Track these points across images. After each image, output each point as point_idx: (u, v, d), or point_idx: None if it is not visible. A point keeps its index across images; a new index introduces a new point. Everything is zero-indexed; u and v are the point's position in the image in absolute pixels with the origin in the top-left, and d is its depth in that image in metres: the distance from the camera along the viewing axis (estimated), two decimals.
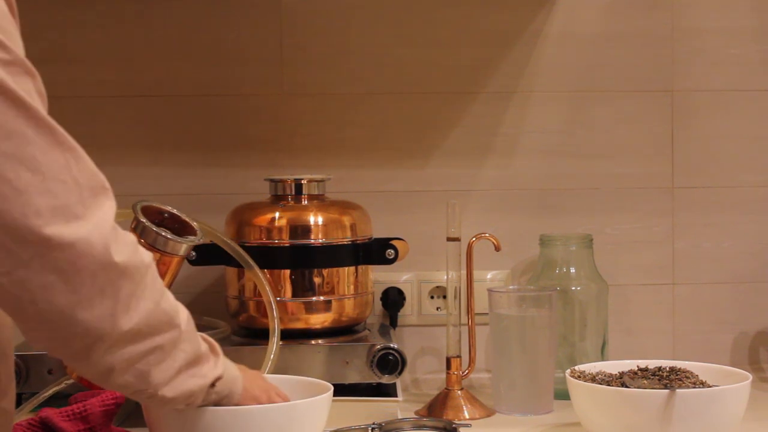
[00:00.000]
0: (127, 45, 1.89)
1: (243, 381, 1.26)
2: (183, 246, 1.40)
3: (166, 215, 1.44)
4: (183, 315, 1.12)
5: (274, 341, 1.61)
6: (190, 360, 1.13)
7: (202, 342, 1.17)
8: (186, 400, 1.16)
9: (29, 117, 0.95)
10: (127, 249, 1.01)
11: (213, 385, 1.19)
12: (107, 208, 1.01)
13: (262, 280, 1.65)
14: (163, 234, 1.38)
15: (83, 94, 1.89)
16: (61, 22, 1.87)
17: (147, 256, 1.05)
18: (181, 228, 1.44)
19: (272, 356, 1.60)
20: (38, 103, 0.97)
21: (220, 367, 1.20)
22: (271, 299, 1.64)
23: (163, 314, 1.07)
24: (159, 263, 1.38)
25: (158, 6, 1.88)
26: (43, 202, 0.95)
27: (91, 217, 0.98)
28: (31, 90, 0.97)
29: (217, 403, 1.24)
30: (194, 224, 1.45)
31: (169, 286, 1.42)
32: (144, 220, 1.37)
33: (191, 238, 1.41)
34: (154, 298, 1.05)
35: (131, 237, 1.04)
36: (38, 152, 0.95)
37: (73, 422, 1.33)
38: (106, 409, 1.35)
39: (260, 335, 1.70)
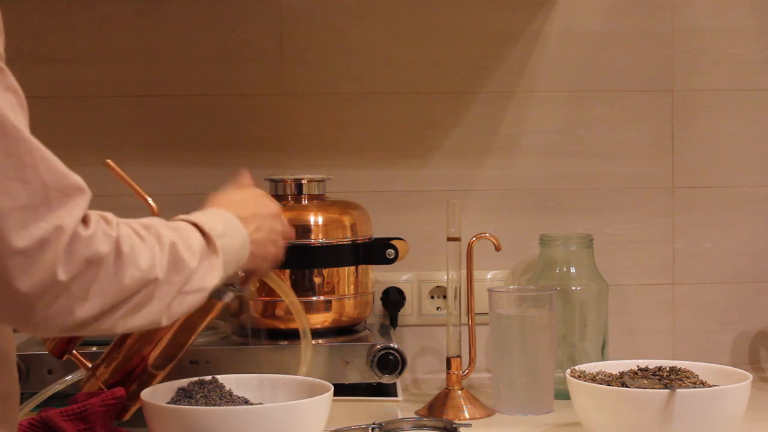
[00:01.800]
0: (127, 45, 1.89)
1: (251, 245, 1.25)
2: (230, 294, 1.40)
3: None
4: (160, 260, 1.07)
5: (307, 342, 1.57)
6: (182, 285, 1.10)
7: (193, 256, 1.12)
8: (188, 312, 1.14)
9: None
10: (78, 255, 0.98)
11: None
12: (76, 210, 0.98)
13: (279, 283, 1.60)
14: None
15: (83, 94, 1.89)
16: (61, 23, 1.87)
17: (105, 243, 1.00)
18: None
19: (307, 357, 1.56)
20: (4, 100, 0.95)
21: (217, 268, 1.16)
22: (294, 299, 1.59)
23: (131, 282, 1.03)
24: (202, 308, 1.38)
25: (158, 6, 1.88)
26: (1, 202, 0.93)
27: (53, 218, 0.95)
28: None
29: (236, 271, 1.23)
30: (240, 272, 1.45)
31: (205, 326, 1.43)
32: None
33: (238, 289, 1.41)
34: (117, 276, 1.01)
35: (90, 229, 0.99)
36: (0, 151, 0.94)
37: (74, 422, 1.34)
38: (106, 409, 1.35)
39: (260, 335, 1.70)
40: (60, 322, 0.99)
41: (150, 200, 1.42)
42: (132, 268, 1.03)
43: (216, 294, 1.38)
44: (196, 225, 1.17)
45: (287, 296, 1.54)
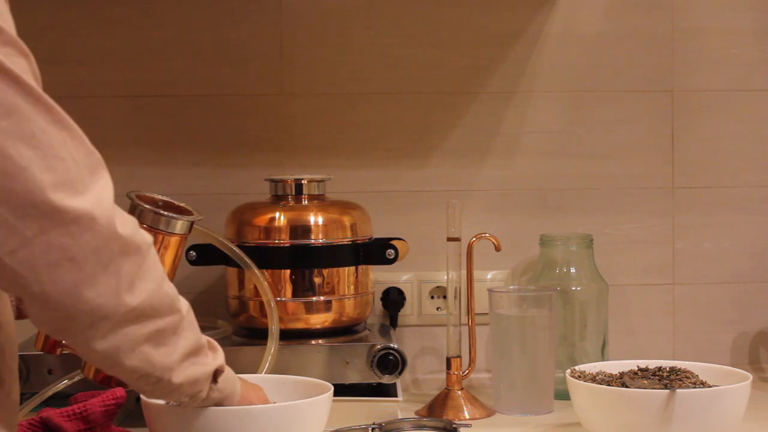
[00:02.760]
0: (127, 45, 1.89)
1: (241, 386, 1.28)
2: (180, 223, 1.40)
3: (160, 203, 1.45)
4: (183, 302, 1.13)
5: (273, 343, 1.61)
6: (193, 348, 1.14)
7: (201, 334, 1.17)
8: (191, 389, 1.17)
9: (27, 95, 0.96)
10: (130, 224, 1.02)
11: (215, 380, 1.20)
12: (105, 184, 1.01)
13: (261, 280, 1.65)
14: (162, 213, 1.38)
15: (83, 94, 1.89)
16: (61, 23, 1.87)
17: (148, 236, 1.06)
18: (177, 213, 1.44)
19: (270, 356, 1.60)
20: (34, 82, 0.98)
21: (219, 358, 1.21)
22: (270, 299, 1.64)
23: (165, 296, 1.08)
24: (160, 245, 1.39)
25: (158, 6, 1.88)
26: (45, 178, 0.95)
27: (91, 193, 0.98)
28: (26, 70, 0.98)
29: (219, 403, 1.24)
30: (190, 208, 1.45)
31: (174, 268, 1.42)
32: (140, 203, 1.38)
33: (188, 216, 1.41)
34: (156, 279, 1.06)
35: (131, 217, 1.05)
36: (37, 130, 0.96)
37: (74, 422, 1.34)
38: (106, 409, 1.35)
39: (261, 335, 1.70)
40: (105, 303, 1.00)
41: None
42: (167, 285, 1.08)
43: (165, 225, 1.38)
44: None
45: (264, 294, 1.56)
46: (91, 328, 1.02)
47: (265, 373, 1.57)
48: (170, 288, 1.09)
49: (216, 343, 1.23)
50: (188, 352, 1.13)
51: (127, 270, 1.02)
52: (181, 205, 1.45)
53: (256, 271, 1.65)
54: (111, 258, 1.00)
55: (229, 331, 1.75)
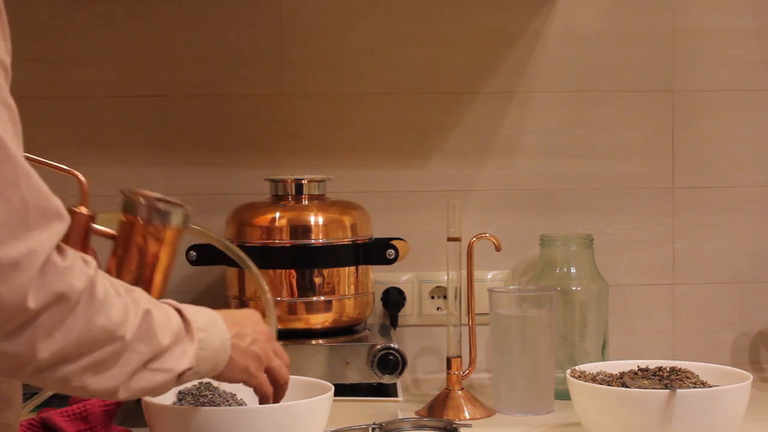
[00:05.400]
0: (127, 45, 1.89)
1: (231, 350, 1.20)
2: (174, 215, 1.36)
3: (153, 198, 1.43)
4: (132, 321, 1.05)
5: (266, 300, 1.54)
6: (148, 359, 1.07)
7: (166, 333, 1.09)
8: (150, 393, 1.10)
9: None
10: (51, 286, 0.96)
11: (183, 374, 1.12)
12: (53, 233, 0.96)
13: (259, 279, 1.61)
14: (158, 206, 1.35)
15: (83, 94, 1.89)
16: (61, 23, 1.87)
17: (81, 280, 0.99)
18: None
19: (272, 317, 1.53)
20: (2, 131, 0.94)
21: (189, 355, 1.12)
22: (269, 298, 1.60)
23: (99, 331, 1.01)
24: (153, 238, 1.36)
25: (158, 6, 1.88)
26: None
27: (26, 242, 0.93)
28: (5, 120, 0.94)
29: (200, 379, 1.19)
30: (183, 203, 1.42)
31: (170, 264, 1.40)
32: (133, 197, 1.35)
33: (181, 208, 1.38)
34: (86, 318, 0.99)
35: (67, 261, 0.98)
36: None
37: (74, 422, 1.34)
38: (106, 409, 1.36)
39: None
40: (20, 352, 0.97)
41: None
42: (103, 317, 1.01)
43: (160, 218, 1.36)
44: (177, 309, 1.14)
45: (263, 293, 1.51)
46: (14, 371, 0.99)
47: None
48: (108, 317, 1.02)
49: (193, 325, 1.14)
50: (140, 366, 1.06)
51: (45, 322, 0.96)
52: (175, 200, 1.43)
53: (255, 269, 1.61)
54: (24, 318, 0.95)
55: None
